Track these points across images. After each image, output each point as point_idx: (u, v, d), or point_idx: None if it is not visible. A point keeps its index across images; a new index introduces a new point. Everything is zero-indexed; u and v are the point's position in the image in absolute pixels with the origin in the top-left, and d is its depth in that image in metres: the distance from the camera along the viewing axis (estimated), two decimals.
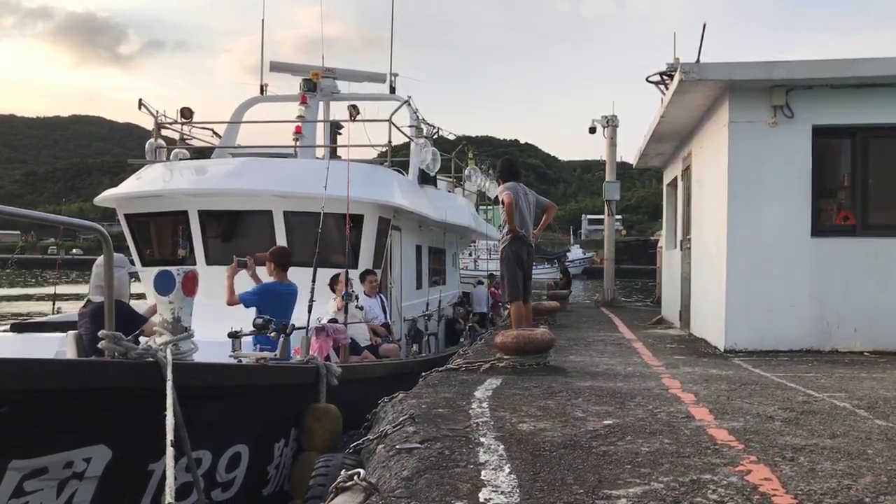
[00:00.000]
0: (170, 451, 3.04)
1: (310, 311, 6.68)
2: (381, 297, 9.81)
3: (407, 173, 12.21)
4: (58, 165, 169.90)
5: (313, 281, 6.81)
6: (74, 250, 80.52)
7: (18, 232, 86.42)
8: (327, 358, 7.00)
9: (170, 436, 3.11)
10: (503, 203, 8.05)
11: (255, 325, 6.01)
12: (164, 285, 3.91)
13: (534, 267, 8.88)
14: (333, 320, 7.80)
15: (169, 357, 3.55)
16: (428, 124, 13.84)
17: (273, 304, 6.72)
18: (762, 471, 3.57)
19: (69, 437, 3.35)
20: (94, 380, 3.36)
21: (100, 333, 3.49)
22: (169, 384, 3.40)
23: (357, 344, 8.50)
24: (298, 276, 8.71)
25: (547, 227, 9.07)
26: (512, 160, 8.98)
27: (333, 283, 8.61)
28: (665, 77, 12.71)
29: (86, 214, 70.90)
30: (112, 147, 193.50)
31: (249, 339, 6.31)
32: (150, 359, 3.54)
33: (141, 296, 9.74)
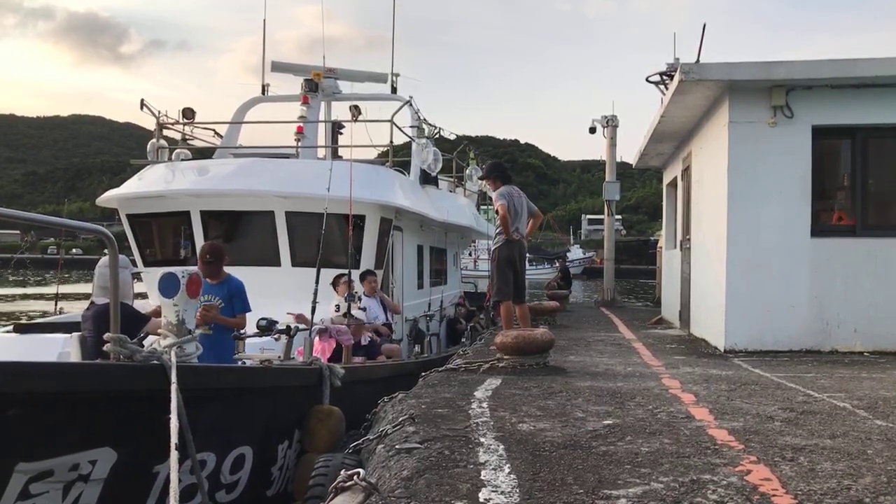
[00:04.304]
0: (174, 453, 3.05)
1: (313, 312, 6.69)
2: (378, 298, 9.82)
3: (408, 173, 12.24)
4: (58, 165, 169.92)
5: (317, 282, 6.82)
6: (74, 250, 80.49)
7: (18, 232, 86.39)
8: (332, 359, 7.03)
9: (175, 439, 3.13)
10: (497, 212, 8.14)
11: (258, 327, 6.03)
12: (168, 287, 3.92)
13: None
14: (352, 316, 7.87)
15: (174, 360, 3.56)
16: (429, 124, 13.87)
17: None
18: (762, 471, 3.59)
19: (75, 439, 3.36)
20: (100, 383, 3.38)
21: (105, 336, 3.51)
22: (174, 387, 3.42)
23: (375, 345, 8.57)
24: (301, 276, 8.74)
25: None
26: (502, 164, 9.13)
27: (336, 283, 8.65)
28: (665, 77, 12.74)
29: (85, 214, 70.98)
30: (112, 147, 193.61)
31: (253, 339, 6.33)
32: (155, 361, 3.56)
33: (143, 295, 9.78)
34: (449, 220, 13.12)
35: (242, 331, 6.31)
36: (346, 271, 8.30)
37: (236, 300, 6.41)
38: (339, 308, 8.25)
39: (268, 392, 4.89)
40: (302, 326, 6.42)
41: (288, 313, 6.33)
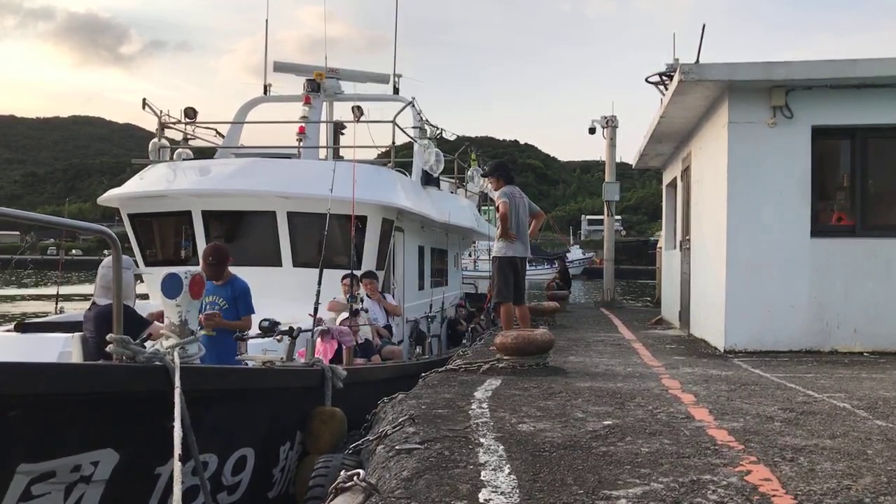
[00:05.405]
0: (177, 456, 3.05)
1: (315, 312, 6.69)
2: (377, 300, 9.81)
3: (410, 174, 12.25)
4: (57, 166, 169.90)
5: (319, 283, 6.81)
6: (74, 251, 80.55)
7: (18, 233, 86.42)
8: (333, 360, 7.03)
9: (177, 440, 3.12)
10: (498, 210, 8.15)
11: (261, 328, 6.03)
12: (171, 288, 3.92)
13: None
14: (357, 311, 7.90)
15: (177, 361, 3.56)
16: (431, 125, 13.86)
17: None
18: (762, 471, 3.60)
19: (77, 440, 3.36)
20: (102, 383, 3.38)
21: (108, 337, 3.51)
22: (177, 388, 3.42)
23: (371, 345, 8.57)
24: (302, 277, 8.74)
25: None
26: (506, 163, 9.10)
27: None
28: (664, 77, 12.75)
29: (85, 215, 70.94)
30: (112, 148, 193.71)
31: (255, 340, 6.33)
32: (158, 363, 3.56)
33: (144, 296, 9.78)
34: (450, 221, 13.12)
35: (245, 332, 6.32)
36: (348, 271, 8.32)
37: (241, 302, 6.42)
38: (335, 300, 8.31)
39: (270, 393, 4.89)
40: (304, 327, 6.42)
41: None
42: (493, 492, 3.25)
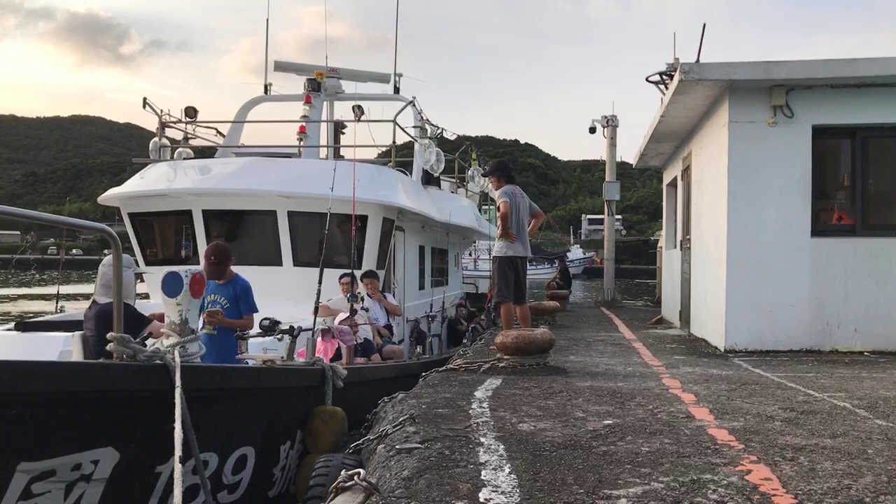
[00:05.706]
0: (178, 455, 3.05)
1: (316, 312, 6.69)
2: (378, 300, 9.82)
3: (410, 174, 12.25)
4: (58, 166, 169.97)
5: (319, 282, 6.82)
6: (74, 250, 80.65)
7: (18, 232, 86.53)
8: (334, 360, 7.03)
9: (178, 439, 3.12)
10: (499, 209, 8.15)
11: (261, 327, 6.03)
12: (172, 287, 3.93)
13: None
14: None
15: (177, 359, 3.56)
16: (432, 125, 13.87)
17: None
18: (762, 471, 3.60)
19: (77, 439, 3.36)
20: (102, 382, 3.38)
21: (108, 335, 3.51)
22: (177, 387, 3.42)
23: (371, 344, 8.57)
24: (303, 276, 8.75)
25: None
26: (507, 162, 9.09)
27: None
28: (665, 77, 12.73)
29: (85, 215, 71.05)
30: (112, 147, 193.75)
31: (256, 339, 6.33)
32: (159, 361, 3.56)
33: (144, 296, 9.79)
34: (451, 220, 13.13)
35: (246, 331, 6.32)
36: (349, 271, 8.32)
37: (242, 301, 6.41)
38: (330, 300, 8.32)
39: (270, 392, 4.89)
40: (305, 326, 6.41)
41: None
42: (493, 491, 3.25)
